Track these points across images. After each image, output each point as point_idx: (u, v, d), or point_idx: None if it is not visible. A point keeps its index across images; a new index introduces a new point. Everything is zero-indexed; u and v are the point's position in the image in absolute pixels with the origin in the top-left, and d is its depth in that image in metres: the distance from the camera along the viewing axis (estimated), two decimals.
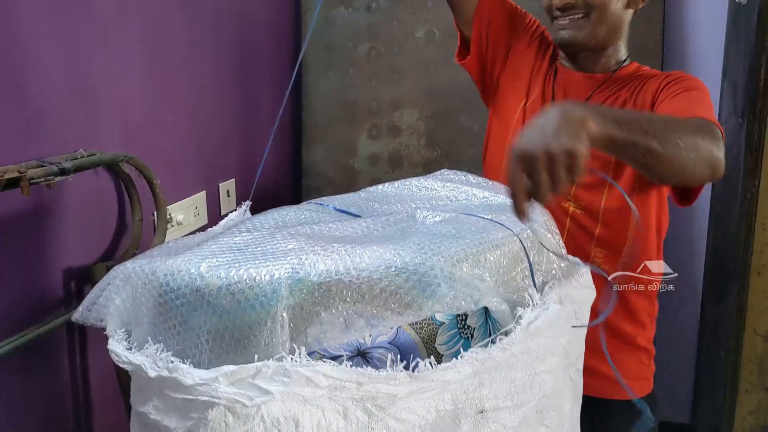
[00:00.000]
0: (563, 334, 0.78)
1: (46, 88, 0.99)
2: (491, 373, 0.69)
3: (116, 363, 0.69)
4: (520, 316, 0.72)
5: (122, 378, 1.12)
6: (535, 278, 0.76)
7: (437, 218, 0.81)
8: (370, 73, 1.90)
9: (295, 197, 1.97)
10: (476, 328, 0.74)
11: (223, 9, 1.53)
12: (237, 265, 0.67)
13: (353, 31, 1.89)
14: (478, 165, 1.92)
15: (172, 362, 0.63)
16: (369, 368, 0.65)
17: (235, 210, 0.99)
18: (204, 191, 1.48)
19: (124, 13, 1.17)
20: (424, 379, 0.65)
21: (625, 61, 1.15)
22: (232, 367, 0.61)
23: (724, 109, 1.74)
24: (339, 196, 0.98)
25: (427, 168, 1.88)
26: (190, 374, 0.62)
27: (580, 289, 0.81)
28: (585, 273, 0.82)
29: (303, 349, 0.63)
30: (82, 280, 1.09)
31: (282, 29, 1.90)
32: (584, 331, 0.82)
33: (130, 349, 0.69)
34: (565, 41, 1.10)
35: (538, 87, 1.17)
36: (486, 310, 0.75)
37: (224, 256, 0.71)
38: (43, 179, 0.89)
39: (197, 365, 0.65)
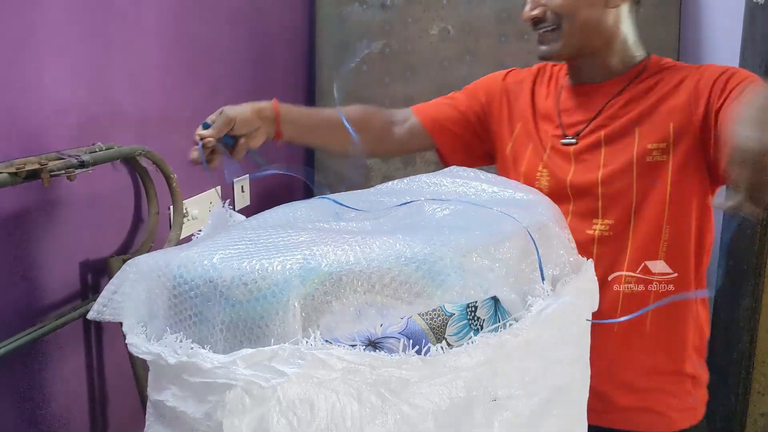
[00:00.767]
0: (574, 325, 0.78)
1: (65, 82, 1.01)
2: (504, 363, 0.70)
3: (136, 354, 0.71)
4: (530, 304, 0.73)
5: (137, 369, 1.14)
6: (544, 270, 0.76)
7: (446, 211, 0.82)
8: (384, 71, 1.90)
9: (307, 193, 1.99)
10: (486, 319, 0.75)
11: (238, 6, 1.55)
12: (249, 256, 0.68)
13: (367, 29, 1.90)
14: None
15: (191, 348, 0.65)
16: (382, 352, 0.66)
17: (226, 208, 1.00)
18: (219, 186, 1.49)
19: (141, 10, 1.19)
20: (436, 364, 0.66)
21: (637, 59, 1.07)
22: (249, 351, 0.62)
23: None
24: (349, 192, 0.99)
25: (439, 166, 1.87)
26: (209, 358, 0.63)
27: (587, 282, 0.81)
28: (589, 266, 0.83)
29: (318, 332, 0.64)
30: (99, 273, 1.11)
31: (296, 27, 1.91)
32: (588, 326, 0.83)
33: (149, 340, 0.71)
34: (543, 56, 1.08)
35: (520, 121, 1.15)
36: (495, 302, 0.75)
37: (236, 248, 0.72)
38: (63, 171, 0.91)
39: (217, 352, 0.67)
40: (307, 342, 0.63)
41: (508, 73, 1.22)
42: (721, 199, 0.70)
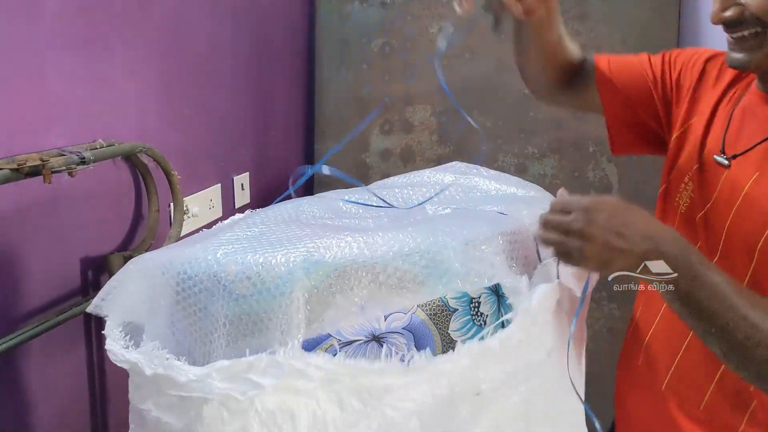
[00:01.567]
0: (556, 318, 0.78)
1: (66, 78, 1.01)
2: (488, 363, 0.70)
3: (113, 362, 0.70)
4: (534, 288, 0.73)
5: None
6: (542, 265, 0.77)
7: (447, 210, 0.82)
8: (384, 69, 1.90)
9: (307, 191, 1.99)
10: (489, 315, 0.75)
11: (239, 3, 1.55)
12: (253, 251, 0.68)
13: (367, 27, 1.90)
14: (490, 161, 1.92)
15: (167, 359, 0.64)
16: (363, 360, 0.65)
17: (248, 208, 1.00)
18: (219, 184, 1.50)
19: (142, 7, 1.19)
20: (418, 372, 0.66)
21: None
22: (225, 363, 0.61)
23: None
24: (350, 189, 0.99)
25: (439, 164, 1.88)
26: (183, 371, 0.62)
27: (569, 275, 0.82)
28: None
29: (296, 342, 0.63)
30: (99, 269, 1.11)
31: (296, 24, 1.91)
32: (579, 327, 0.83)
33: (128, 347, 0.70)
34: (735, 65, 0.84)
35: (697, 115, 0.94)
36: (498, 298, 0.76)
37: (240, 243, 0.72)
38: (64, 168, 0.91)
39: (216, 351, 0.66)
40: (284, 351, 0.62)
41: (712, 56, 0.97)
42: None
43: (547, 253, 0.79)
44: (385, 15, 1.89)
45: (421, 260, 0.67)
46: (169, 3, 1.27)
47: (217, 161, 1.50)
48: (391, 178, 1.00)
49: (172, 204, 1.25)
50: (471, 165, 0.99)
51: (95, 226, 1.10)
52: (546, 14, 0.96)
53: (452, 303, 0.74)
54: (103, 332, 0.75)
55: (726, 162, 0.85)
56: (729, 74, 0.93)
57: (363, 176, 1.93)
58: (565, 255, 0.71)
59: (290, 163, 1.92)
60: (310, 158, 2.00)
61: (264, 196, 1.69)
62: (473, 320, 0.74)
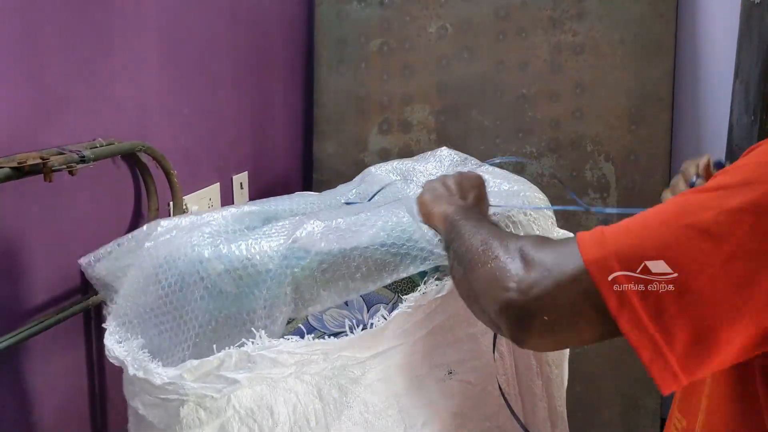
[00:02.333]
0: None
1: (65, 77, 1.01)
2: (446, 332, 0.71)
3: (108, 358, 0.71)
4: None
5: None
6: None
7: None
8: (382, 68, 1.91)
9: (305, 191, 1.99)
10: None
11: (238, 3, 1.55)
12: (237, 248, 0.69)
13: (366, 26, 1.90)
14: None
15: (145, 361, 0.64)
16: (332, 338, 0.66)
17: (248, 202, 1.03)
18: (218, 183, 1.50)
19: (141, 5, 1.19)
20: (384, 334, 0.66)
21: None
22: (195, 362, 0.61)
23: (736, 109, 1.74)
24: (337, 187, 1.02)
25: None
26: (158, 374, 0.62)
27: None
28: None
29: (263, 332, 0.63)
30: None
31: (295, 23, 1.91)
32: None
33: (121, 342, 0.71)
34: None
35: None
36: None
37: (225, 238, 0.73)
38: (64, 166, 0.91)
39: (201, 347, 0.67)
40: (253, 343, 0.62)
41: None
42: None
43: None
44: (384, 15, 1.89)
45: (392, 249, 0.70)
46: (169, 2, 1.28)
47: (217, 160, 1.50)
48: (376, 168, 1.03)
49: (171, 203, 1.26)
50: (460, 153, 1.01)
51: (95, 225, 1.10)
52: None
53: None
54: (103, 325, 0.76)
55: None
56: None
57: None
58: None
59: (289, 162, 1.92)
60: (308, 157, 2.00)
61: (263, 195, 1.70)
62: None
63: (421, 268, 0.70)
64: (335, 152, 1.95)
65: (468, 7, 1.84)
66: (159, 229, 0.81)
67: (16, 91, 0.92)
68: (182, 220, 0.84)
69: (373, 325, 0.67)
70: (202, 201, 1.42)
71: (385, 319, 0.68)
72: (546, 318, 0.53)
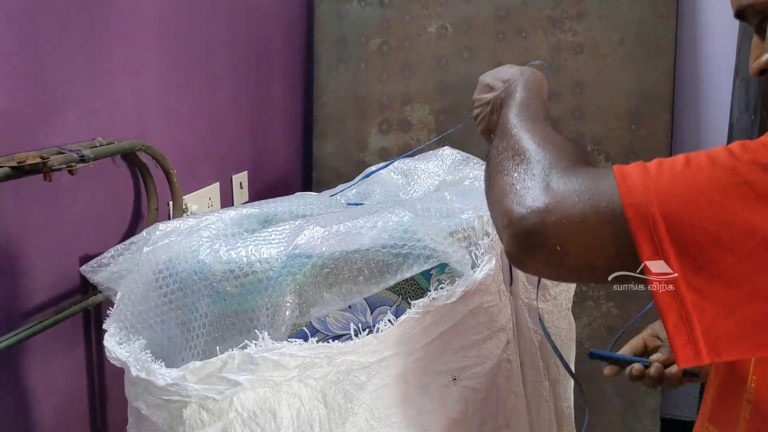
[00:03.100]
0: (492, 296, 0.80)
1: (65, 77, 1.01)
2: (452, 340, 0.71)
3: (108, 358, 0.71)
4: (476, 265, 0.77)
5: None
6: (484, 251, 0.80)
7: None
8: (382, 68, 1.91)
9: (305, 190, 1.99)
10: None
11: (237, 3, 1.55)
12: (238, 249, 0.69)
13: (365, 26, 1.90)
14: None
15: (148, 362, 0.64)
16: (336, 342, 0.66)
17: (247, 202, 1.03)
18: (218, 183, 1.50)
19: (141, 5, 1.19)
20: (389, 339, 0.66)
21: None
22: (198, 363, 0.61)
23: (736, 107, 1.74)
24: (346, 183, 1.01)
25: None
26: (161, 375, 0.62)
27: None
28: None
29: (266, 334, 0.63)
30: None
31: (294, 23, 1.91)
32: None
33: (122, 344, 0.71)
34: None
35: None
36: None
37: (227, 240, 0.72)
38: (64, 166, 0.91)
39: (205, 348, 0.67)
40: (256, 344, 0.62)
41: None
42: None
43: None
44: (384, 14, 1.89)
45: (393, 250, 0.70)
46: (168, 1, 1.27)
47: (216, 160, 1.50)
48: (378, 169, 1.03)
49: (171, 202, 1.25)
50: (462, 153, 1.01)
51: (94, 224, 1.10)
52: None
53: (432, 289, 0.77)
54: (103, 326, 0.76)
55: None
56: None
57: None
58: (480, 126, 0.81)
59: (288, 161, 1.92)
60: (308, 157, 2.00)
61: (262, 195, 1.69)
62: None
63: (425, 268, 0.70)
64: (335, 152, 1.95)
65: (468, 6, 1.84)
66: (157, 233, 0.81)
67: (16, 90, 0.92)
68: (180, 224, 0.83)
69: (379, 329, 0.67)
70: (201, 201, 1.41)
71: (391, 323, 0.67)
72: (559, 248, 0.48)
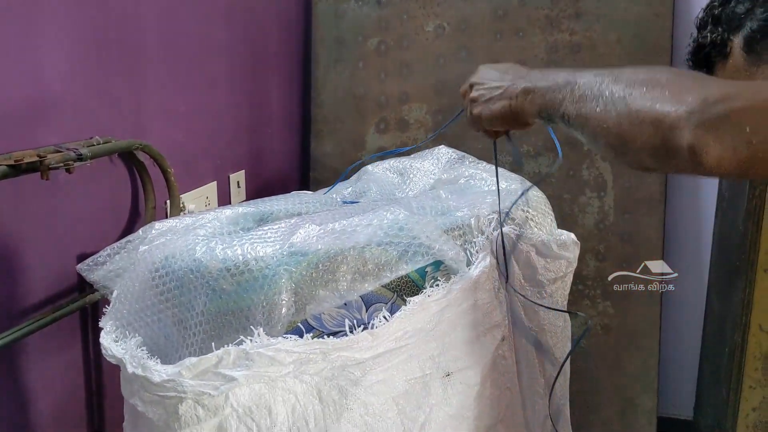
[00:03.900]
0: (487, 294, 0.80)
1: (63, 75, 1.01)
2: (447, 336, 0.72)
3: (105, 356, 0.71)
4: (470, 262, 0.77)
5: None
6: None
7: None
8: (380, 67, 1.91)
9: (302, 189, 1.99)
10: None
11: (234, 2, 1.55)
12: (234, 246, 0.69)
13: (363, 25, 1.90)
14: (486, 160, 1.93)
15: (143, 359, 0.64)
16: (332, 338, 0.66)
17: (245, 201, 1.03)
18: (215, 182, 1.50)
19: (139, 5, 1.19)
20: (385, 335, 0.67)
21: None
22: (193, 360, 0.61)
23: None
24: (342, 182, 1.01)
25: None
26: (157, 371, 0.62)
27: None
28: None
29: (261, 329, 0.63)
30: None
31: (292, 22, 1.91)
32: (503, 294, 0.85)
33: (118, 341, 0.71)
34: None
35: None
36: None
37: (222, 237, 0.73)
38: (61, 164, 0.91)
39: (201, 346, 0.67)
40: (251, 340, 0.62)
41: None
42: None
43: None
44: (381, 13, 1.89)
45: (389, 247, 0.70)
46: (166, 1, 1.27)
47: (214, 159, 1.50)
48: (377, 163, 1.03)
49: (168, 201, 1.26)
50: (458, 151, 1.01)
51: (92, 223, 1.10)
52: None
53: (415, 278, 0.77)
54: (99, 324, 0.76)
55: None
56: None
57: None
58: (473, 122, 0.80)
59: (286, 160, 1.92)
60: (306, 156, 2.00)
61: (260, 194, 1.70)
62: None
63: (420, 265, 0.70)
64: (332, 151, 1.95)
65: (465, 6, 1.84)
66: (153, 231, 0.81)
67: (13, 88, 0.92)
68: (177, 223, 0.84)
69: (374, 326, 0.67)
70: (199, 199, 1.42)
71: (386, 319, 0.68)
72: (749, 129, 0.47)
